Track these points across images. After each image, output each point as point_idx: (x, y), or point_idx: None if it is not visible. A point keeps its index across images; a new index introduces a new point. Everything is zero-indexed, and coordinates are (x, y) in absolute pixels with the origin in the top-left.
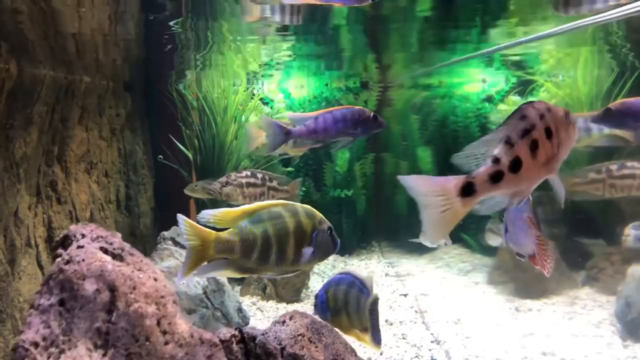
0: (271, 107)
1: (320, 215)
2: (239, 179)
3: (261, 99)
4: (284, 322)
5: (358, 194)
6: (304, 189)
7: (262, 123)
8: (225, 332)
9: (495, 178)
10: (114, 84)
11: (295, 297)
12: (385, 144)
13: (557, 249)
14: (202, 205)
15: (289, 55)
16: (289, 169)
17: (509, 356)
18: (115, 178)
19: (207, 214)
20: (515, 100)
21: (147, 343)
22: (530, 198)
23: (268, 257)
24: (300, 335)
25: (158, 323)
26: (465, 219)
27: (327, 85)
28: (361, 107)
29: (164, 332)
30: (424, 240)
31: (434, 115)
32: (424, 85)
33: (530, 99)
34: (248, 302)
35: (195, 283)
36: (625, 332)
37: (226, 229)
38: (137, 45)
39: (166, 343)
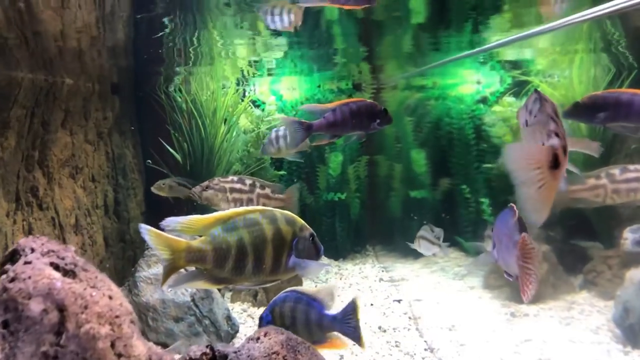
0: (262, 110)
1: (302, 221)
2: (222, 183)
3: (252, 101)
4: (258, 338)
5: (352, 197)
6: None
7: (282, 121)
8: (196, 350)
9: (565, 152)
10: (100, 86)
11: None
12: (378, 146)
13: (553, 252)
14: (192, 209)
15: (281, 56)
16: (281, 172)
17: None
18: (103, 183)
19: (173, 222)
20: (510, 102)
21: None
22: (515, 209)
23: (244, 267)
24: (274, 353)
25: (112, 345)
26: (461, 222)
27: (319, 87)
28: (372, 101)
29: (119, 355)
30: (418, 248)
31: (428, 117)
32: (417, 87)
33: (525, 99)
34: (239, 309)
35: (182, 290)
36: (625, 338)
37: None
38: (126, 47)
39: None
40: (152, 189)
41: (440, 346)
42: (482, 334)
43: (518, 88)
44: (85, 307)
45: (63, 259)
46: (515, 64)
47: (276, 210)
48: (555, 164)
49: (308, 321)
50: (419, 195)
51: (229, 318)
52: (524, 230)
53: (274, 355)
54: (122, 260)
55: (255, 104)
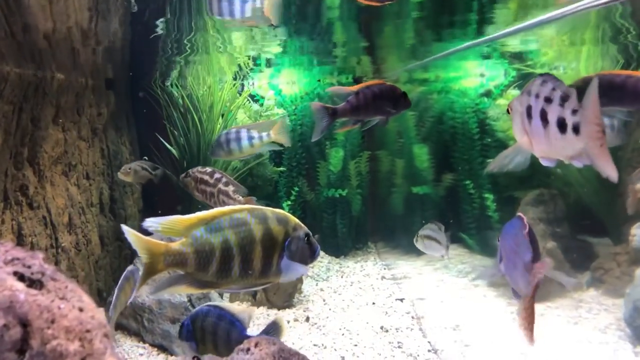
0: (261, 104)
1: (296, 221)
2: (197, 173)
3: (250, 96)
4: (248, 349)
5: (353, 193)
6: (296, 189)
7: (311, 107)
8: None
9: None
10: (94, 81)
11: (287, 303)
12: (380, 141)
13: (559, 249)
14: (191, 206)
15: (280, 50)
16: (281, 168)
17: None
18: (98, 180)
19: (154, 222)
20: (515, 95)
21: None
22: (525, 221)
23: (229, 270)
24: None
25: None
26: (464, 219)
27: (319, 81)
28: (391, 84)
29: None
30: (423, 248)
31: (431, 111)
32: (420, 80)
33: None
34: None
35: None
36: (635, 338)
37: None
38: (121, 41)
39: None
40: (119, 174)
41: (444, 347)
42: (488, 334)
43: (523, 81)
44: (52, 322)
45: (29, 267)
46: (519, 56)
47: (268, 209)
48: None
49: (229, 339)
50: (421, 191)
51: None
52: (535, 245)
53: None
54: (119, 259)
55: (254, 98)
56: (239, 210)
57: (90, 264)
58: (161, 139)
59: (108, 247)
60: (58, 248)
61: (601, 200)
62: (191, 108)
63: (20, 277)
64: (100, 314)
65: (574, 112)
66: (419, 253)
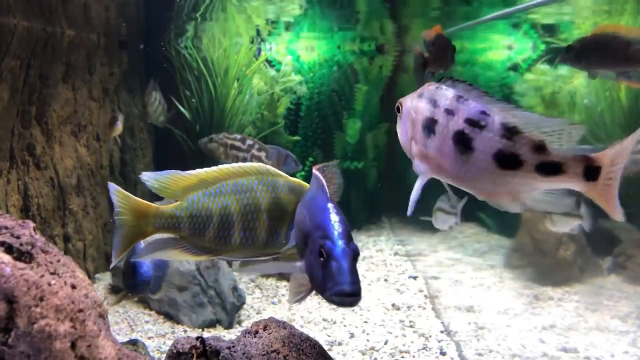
0: (278, 70)
1: None
2: (225, 138)
3: (267, 60)
4: (256, 332)
5: (369, 166)
6: (310, 158)
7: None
8: (184, 343)
9: None
10: (106, 39)
11: None
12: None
13: (582, 233)
14: None
15: (299, 12)
16: (296, 137)
17: (526, 352)
18: (109, 142)
19: (151, 177)
20: (543, 70)
21: None
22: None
23: (228, 238)
24: (274, 351)
25: (73, 346)
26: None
27: (339, 47)
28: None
29: (81, 358)
30: (435, 222)
31: None
32: None
33: (560, 67)
34: (246, 279)
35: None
36: None
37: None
38: None
39: None
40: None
41: (457, 329)
42: (503, 317)
43: (552, 55)
44: (41, 299)
45: (18, 237)
46: (550, 29)
47: (281, 177)
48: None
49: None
50: None
51: (235, 289)
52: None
53: (273, 354)
54: None
55: (271, 64)
56: (245, 173)
57: (98, 228)
58: (175, 101)
59: None
60: (66, 210)
61: (628, 183)
62: (205, 71)
63: (8, 249)
64: (94, 292)
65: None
66: (434, 230)
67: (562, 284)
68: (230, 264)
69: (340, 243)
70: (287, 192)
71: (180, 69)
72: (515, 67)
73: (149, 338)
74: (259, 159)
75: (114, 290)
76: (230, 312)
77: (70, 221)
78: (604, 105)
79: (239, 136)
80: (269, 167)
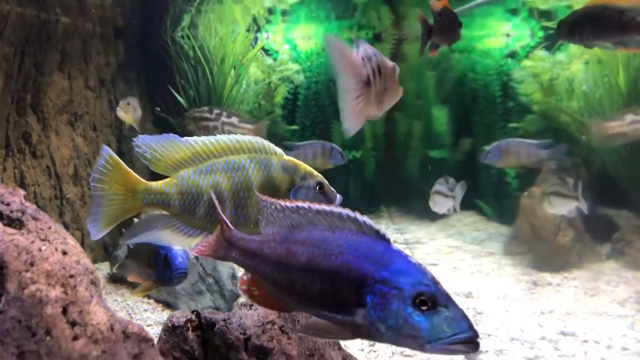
0: (275, 59)
1: (308, 169)
2: (194, 112)
3: (264, 49)
4: (251, 305)
5: (367, 155)
6: None
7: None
8: (180, 316)
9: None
10: (102, 28)
11: None
12: (398, 102)
13: (580, 218)
14: None
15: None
16: (294, 126)
17: (525, 336)
18: (106, 132)
19: (147, 141)
20: (541, 56)
21: (48, 338)
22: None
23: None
24: (270, 322)
25: (64, 311)
26: (481, 185)
27: (336, 35)
28: None
29: (73, 324)
30: (433, 206)
31: (452, 71)
32: None
33: (558, 54)
34: None
35: (185, 246)
36: None
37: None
38: None
39: (75, 338)
40: (117, 109)
41: None
42: (502, 302)
43: (550, 42)
44: (32, 264)
45: (8, 204)
46: (548, 15)
47: (275, 155)
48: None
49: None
50: (438, 155)
51: (233, 277)
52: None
53: (268, 325)
54: None
55: (268, 53)
56: (236, 149)
57: None
58: (172, 90)
59: None
60: (62, 199)
61: (626, 169)
62: (202, 60)
63: None
64: (86, 259)
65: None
66: (432, 218)
67: (561, 269)
68: None
69: (441, 288)
70: (281, 171)
71: (177, 58)
72: (513, 55)
73: (148, 326)
74: (232, 125)
75: (112, 279)
76: (228, 300)
77: (67, 210)
78: (602, 91)
79: (206, 108)
80: (265, 142)
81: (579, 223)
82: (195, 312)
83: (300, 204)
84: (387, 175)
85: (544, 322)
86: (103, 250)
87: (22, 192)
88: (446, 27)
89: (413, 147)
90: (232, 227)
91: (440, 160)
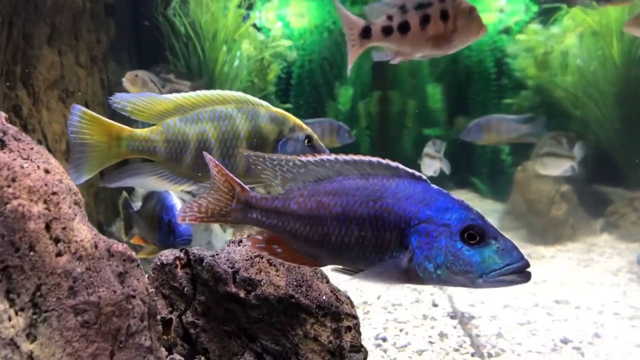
0: (267, 36)
1: (297, 121)
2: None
3: (254, 25)
4: (240, 241)
5: (362, 134)
6: None
7: None
8: (168, 255)
9: (386, 31)
10: (92, 4)
11: None
12: (392, 80)
13: (574, 192)
14: None
15: None
16: (287, 105)
17: (518, 303)
18: (98, 111)
19: (123, 98)
20: (535, 30)
21: (32, 253)
22: None
23: (207, 165)
24: (257, 256)
25: (47, 227)
26: (475, 162)
27: (329, 12)
28: None
29: (56, 240)
30: (423, 168)
31: None
32: None
33: (552, 28)
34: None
35: (171, 191)
36: None
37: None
38: None
39: (58, 254)
40: (124, 79)
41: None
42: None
43: (545, 16)
44: (13, 180)
45: None
46: None
47: (262, 106)
48: (365, 34)
49: None
50: (433, 134)
51: None
52: None
53: (256, 259)
54: (119, 192)
55: (260, 30)
56: (224, 101)
57: (90, 196)
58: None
59: None
60: None
61: (621, 143)
62: (193, 36)
63: None
64: (70, 180)
65: None
66: None
67: (555, 242)
68: (224, 229)
69: (488, 221)
70: (269, 122)
71: (168, 35)
72: (507, 31)
73: None
74: (169, 81)
75: None
76: None
77: None
78: (596, 64)
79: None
80: (248, 96)
81: (573, 197)
82: (184, 250)
83: (325, 156)
84: (381, 155)
85: (537, 291)
86: (98, 229)
87: (3, 114)
88: None
89: (408, 125)
90: (249, 189)
91: (435, 138)
